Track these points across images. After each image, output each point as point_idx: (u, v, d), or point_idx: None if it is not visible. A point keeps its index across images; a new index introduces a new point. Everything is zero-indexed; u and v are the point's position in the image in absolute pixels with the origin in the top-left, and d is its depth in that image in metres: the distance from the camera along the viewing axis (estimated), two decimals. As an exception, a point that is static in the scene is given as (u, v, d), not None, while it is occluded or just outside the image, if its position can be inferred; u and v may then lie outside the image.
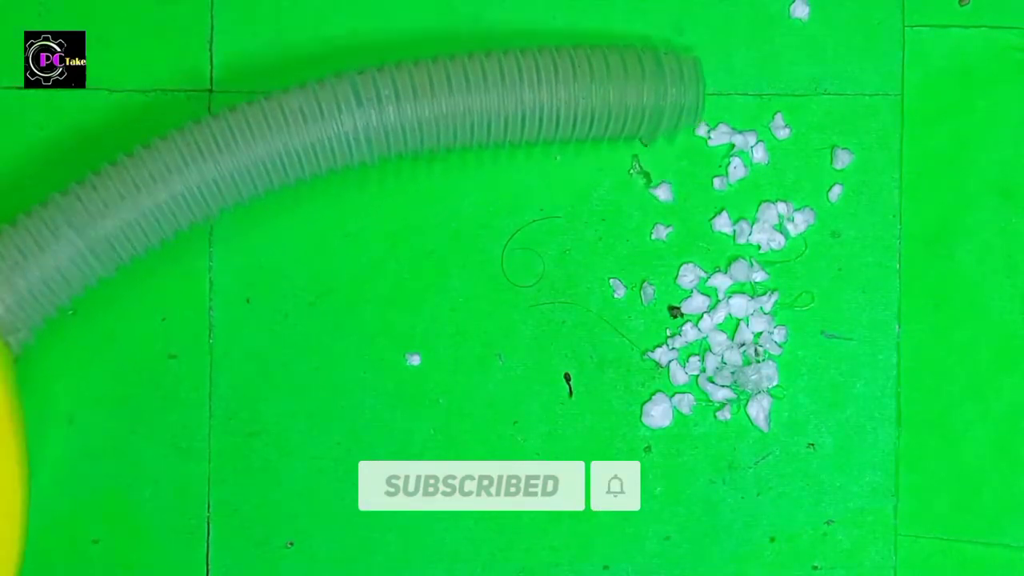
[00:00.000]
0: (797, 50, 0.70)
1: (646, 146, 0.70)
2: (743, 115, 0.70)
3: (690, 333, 0.70)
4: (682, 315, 0.71)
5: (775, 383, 0.70)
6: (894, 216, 0.70)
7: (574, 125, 0.66)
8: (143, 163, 0.64)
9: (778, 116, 0.70)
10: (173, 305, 0.70)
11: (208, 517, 0.70)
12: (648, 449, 0.70)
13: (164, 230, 0.65)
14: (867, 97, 0.70)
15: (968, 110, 0.70)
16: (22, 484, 0.63)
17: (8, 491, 0.62)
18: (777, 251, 0.70)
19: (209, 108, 0.70)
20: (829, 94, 0.70)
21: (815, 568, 0.70)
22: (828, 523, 0.70)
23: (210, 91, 0.70)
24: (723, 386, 0.70)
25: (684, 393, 0.70)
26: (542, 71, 0.65)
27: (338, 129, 0.64)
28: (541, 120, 0.65)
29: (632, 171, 0.70)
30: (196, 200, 0.64)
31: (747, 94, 0.70)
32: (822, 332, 0.70)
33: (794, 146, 0.71)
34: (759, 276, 0.70)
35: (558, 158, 0.71)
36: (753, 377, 0.70)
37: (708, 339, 0.70)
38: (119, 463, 0.70)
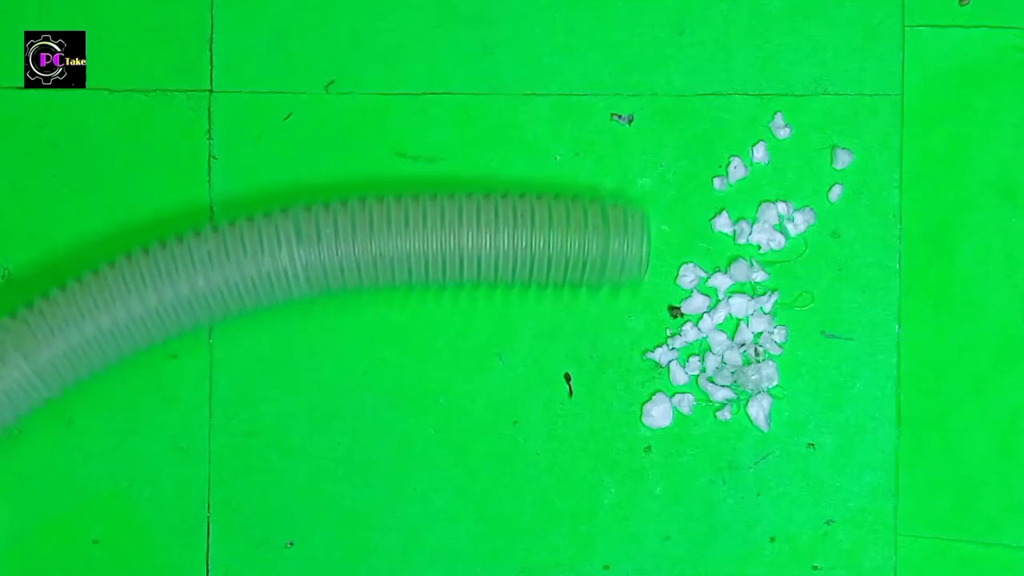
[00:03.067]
0: (797, 50, 0.70)
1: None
2: (743, 115, 0.70)
3: (690, 333, 0.70)
4: (682, 315, 0.71)
5: (775, 383, 0.70)
6: (894, 216, 0.70)
7: (514, 271, 0.66)
8: (89, 290, 0.65)
9: (778, 116, 0.70)
10: (173, 305, 0.70)
11: (208, 517, 0.70)
12: (648, 449, 0.70)
13: (108, 355, 0.65)
14: (867, 97, 0.70)
15: (968, 110, 0.70)
16: None
17: None
18: (777, 251, 0.70)
19: (209, 108, 0.70)
20: (829, 94, 0.70)
21: (815, 568, 0.70)
22: (828, 523, 0.70)
23: (210, 91, 0.70)
24: (723, 386, 0.70)
25: (684, 393, 0.70)
26: (483, 217, 0.65)
27: (276, 265, 0.65)
28: (479, 264, 0.66)
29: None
30: (138, 328, 0.65)
31: (747, 94, 0.70)
32: (822, 332, 0.70)
33: (794, 146, 0.71)
34: (759, 276, 0.70)
35: (558, 158, 0.71)
36: (753, 377, 0.70)
37: (708, 339, 0.70)
38: (119, 463, 0.70)
